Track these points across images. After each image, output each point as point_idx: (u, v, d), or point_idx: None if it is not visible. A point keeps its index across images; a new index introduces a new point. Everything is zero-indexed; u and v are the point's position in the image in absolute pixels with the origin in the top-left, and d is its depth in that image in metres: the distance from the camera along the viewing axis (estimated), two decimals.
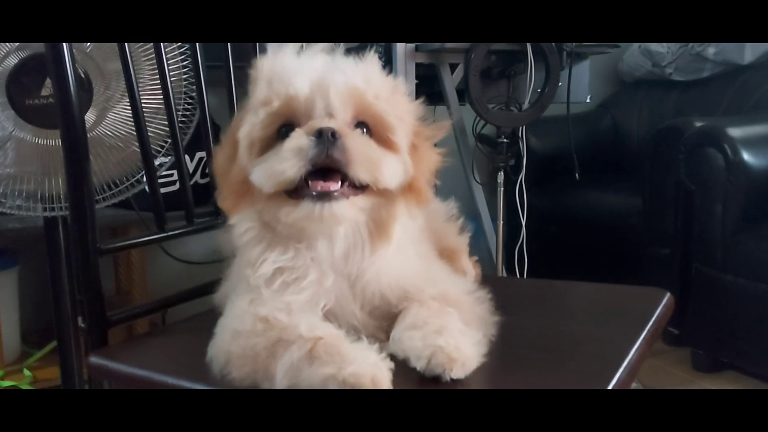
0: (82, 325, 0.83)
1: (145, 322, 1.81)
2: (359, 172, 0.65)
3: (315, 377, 0.60)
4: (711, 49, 2.43)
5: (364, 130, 0.68)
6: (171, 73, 0.97)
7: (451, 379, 0.63)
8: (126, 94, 0.92)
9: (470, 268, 0.96)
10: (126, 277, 1.98)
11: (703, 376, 1.93)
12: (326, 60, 0.69)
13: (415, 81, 1.68)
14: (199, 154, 1.71)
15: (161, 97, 0.96)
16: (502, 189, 1.84)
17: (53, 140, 1.17)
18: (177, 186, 1.01)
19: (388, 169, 0.67)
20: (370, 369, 0.59)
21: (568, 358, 0.74)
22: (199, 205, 0.99)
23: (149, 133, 0.95)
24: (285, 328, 0.65)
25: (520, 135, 1.87)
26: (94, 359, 0.79)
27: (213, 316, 0.74)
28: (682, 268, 1.91)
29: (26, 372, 1.66)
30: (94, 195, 0.89)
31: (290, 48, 0.71)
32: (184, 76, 1.22)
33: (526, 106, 1.76)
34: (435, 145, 0.75)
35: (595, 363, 0.72)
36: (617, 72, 2.81)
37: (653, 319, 0.84)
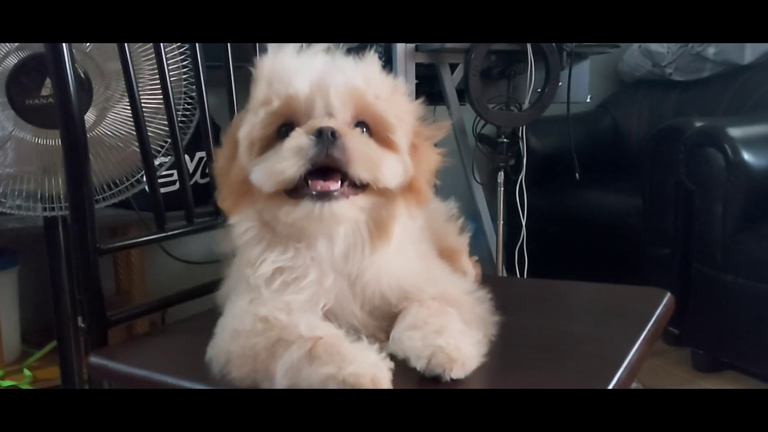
0: (82, 325, 0.83)
1: (145, 322, 1.81)
2: (359, 172, 0.65)
3: (315, 377, 0.60)
4: (711, 49, 2.42)
5: (364, 129, 0.68)
6: (171, 73, 0.97)
7: (451, 379, 0.63)
8: (126, 94, 0.92)
9: (470, 268, 0.96)
10: (126, 276, 1.98)
11: (704, 376, 1.93)
12: (326, 60, 0.69)
13: (415, 81, 1.68)
14: (199, 154, 1.71)
15: (161, 97, 0.96)
16: (502, 189, 1.84)
17: (53, 140, 1.17)
18: (177, 186, 1.01)
19: (388, 168, 0.67)
20: (370, 369, 0.59)
21: (568, 358, 0.74)
22: (199, 204, 0.99)
23: (149, 133, 0.95)
24: (285, 328, 0.65)
25: (520, 135, 1.87)
26: (93, 359, 0.79)
27: (213, 315, 0.74)
28: (682, 268, 1.91)
29: (26, 372, 1.66)
30: (93, 195, 0.89)
31: (290, 48, 0.71)
32: (184, 76, 1.22)
33: (526, 106, 1.76)
34: (435, 145, 0.75)
35: (595, 363, 0.72)
36: (617, 72, 2.81)
37: (653, 319, 0.84)
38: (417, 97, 0.76)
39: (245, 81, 0.73)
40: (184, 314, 0.92)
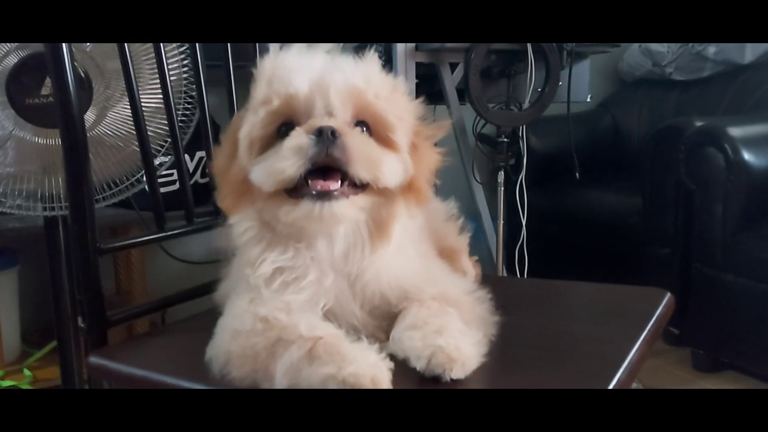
0: (82, 325, 0.83)
1: (145, 322, 1.81)
2: (359, 171, 0.65)
3: (315, 377, 0.60)
4: (711, 49, 2.42)
5: (364, 129, 0.68)
6: (171, 73, 0.97)
7: (451, 379, 0.63)
8: (126, 94, 0.92)
9: (470, 267, 0.95)
10: (126, 276, 1.98)
11: (704, 376, 1.93)
12: (326, 59, 0.69)
13: (415, 80, 1.68)
14: (199, 154, 1.71)
15: (161, 96, 0.95)
16: (503, 188, 1.84)
17: (53, 139, 1.17)
18: (177, 185, 1.01)
19: (388, 168, 0.67)
20: (369, 369, 0.59)
21: (568, 358, 0.74)
22: (199, 204, 0.99)
23: (149, 133, 0.95)
24: (285, 328, 0.65)
25: (520, 134, 1.87)
26: (93, 359, 0.79)
27: (213, 315, 0.74)
28: (683, 267, 1.91)
29: (26, 372, 1.66)
30: (93, 194, 0.89)
31: (291, 47, 0.71)
32: (184, 76, 1.22)
33: (526, 105, 1.76)
34: (435, 145, 0.75)
35: (595, 363, 0.72)
36: (617, 71, 2.81)
37: (653, 319, 0.84)
38: (417, 96, 0.76)
39: (245, 81, 0.73)
40: (184, 314, 0.92)
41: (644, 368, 0.82)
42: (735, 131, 1.78)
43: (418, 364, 0.64)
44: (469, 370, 0.64)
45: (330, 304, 0.69)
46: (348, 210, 0.66)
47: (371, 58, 0.71)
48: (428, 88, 1.70)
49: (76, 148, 0.80)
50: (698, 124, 1.86)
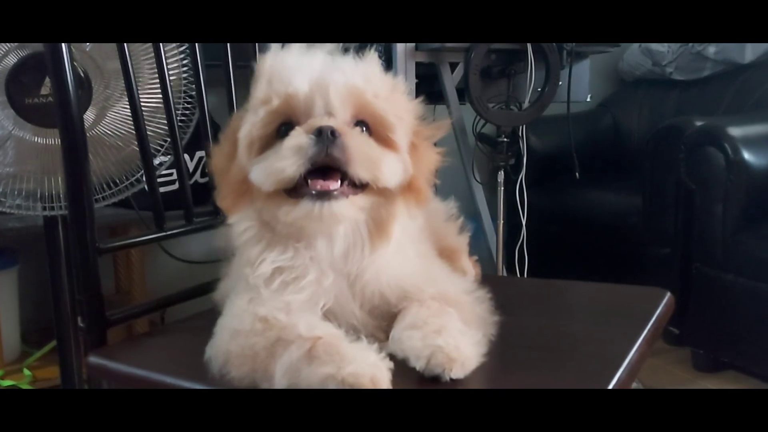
0: (82, 325, 0.83)
1: (145, 322, 1.81)
2: (359, 171, 0.65)
3: (314, 377, 0.60)
4: (711, 48, 2.42)
5: (364, 128, 0.68)
6: (170, 73, 0.97)
7: (451, 379, 0.63)
8: (125, 93, 0.92)
9: (470, 267, 0.95)
10: (126, 276, 1.98)
11: (704, 375, 1.93)
12: (326, 59, 0.69)
13: (415, 80, 1.68)
14: (198, 154, 1.71)
15: (160, 96, 0.95)
16: (503, 188, 1.84)
17: (53, 139, 1.17)
18: (176, 185, 1.01)
19: (388, 168, 0.67)
20: (369, 369, 0.59)
21: (568, 358, 0.74)
22: (199, 204, 0.99)
23: (148, 133, 0.95)
24: (284, 328, 0.65)
25: (520, 134, 1.87)
26: (92, 359, 0.79)
27: (212, 315, 0.74)
28: (683, 267, 1.91)
29: (26, 371, 1.66)
30: (93, 194, 0.89)
31: (291, 47, 0.71)
32: (184, 75, 1.22)
33: (526, 105, 1.76)
34: (435, 145, 0.75)
35: (595, 363, 0.71)
36: (617, 71, 2.81)
37: (653, 318, 0.84)
38: (417, 96, 0.76)
39: (245, 80, 0.73)
40: (184, 314, 0.92)
41: (644, 368, 0.82)
42: (735, 131, 1.78)
43: (418, 364, 0.64)
44: (468, 370, 0.64)
45: (329, 304, 0.69)
46: (347, 210, 0.66)
47: (371, 58, 0.71)
48: (428, 87, 1.70)
49: (75, 148, 0.80)
50: (698, 123, 1.86)
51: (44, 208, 1.21)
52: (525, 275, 1.98)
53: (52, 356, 1.58)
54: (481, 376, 0.65)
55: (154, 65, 0.97)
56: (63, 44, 0.78)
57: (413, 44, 1.67)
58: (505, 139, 1.78)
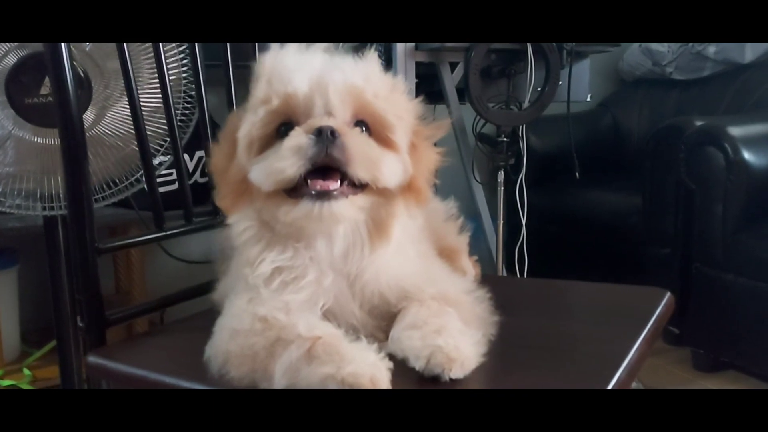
0: (81, 325, 0.83)
1: (144, 322, 1.81)
2: (358, 171, 0.65)
3: (314, 377, 0.60)
4: (711, 48, 2.42)
5: (364, 128, 0.68)
6: (170, 72, 0.97)
7: (450, 379, 0.63)
8: (125, 93, 0.92)
9: (470, 267, 0.95)
10: (125, 276, 1.98)
11: (704, 375, 1.93)
12: (325, 58, 0.69)
13: (415, 80, 1.68)
14: (198, 153, 1.71)
15: (160, 96, 0.95)
16: (502, 188, 1.84)
17: (52, 139, 1.17)
18: (176, 185, 1.01)
19: (388, 168, 0.67)
20: (368, 369, 0.59)
21: (568, 358, 0.74)
22: (199, 204, 0.99)
23: (148, 132, 0.95)
24: (284, 328, 0.65)
25: (520, 134, 1.87)
26: (92, 359, 0.79)
27: (212, 315, 0.74)
28: (683, 267, 1.91)
29: (26, 371, 1.66)
30: (92, 194, 0.89)
31: (291, 47, 0.71)
32: (184, 75, 1.22)
33: (526, 105, 1.76)
34: (435, 144, 0.75)
35: (595, 363, 0.71)
36: (617, 71, 2.81)
37: (653, 318, 0.84)
38: (417, 95, 0.76)
39: (244, 80, 0.73)
40: (183, 314, 0.92)
41: (644, 368, 0.82)
42: (735, 131, 1.78)
43: (417, 364, 0.64)
44: (468, 369, 0.64)
45: (329, 304, 0.69)
46: (347, 210, 0.66)
47: (371, 58, 0.71)
48: (428, 87, 1.70)
49: (75, 148, 0.80)
50: (698, 123, 1.86)
51: (44, 208, 1.21)
52: (525, 275, 1.98)
53: (51, 356, 1.58)
54: (480, 376, 0.65)
55: (154, 65, 0.97)
56: (63, 44, 0.78)
57: (413, 44, 1.67)
58: (505, 139, 1.78)
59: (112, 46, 0.99)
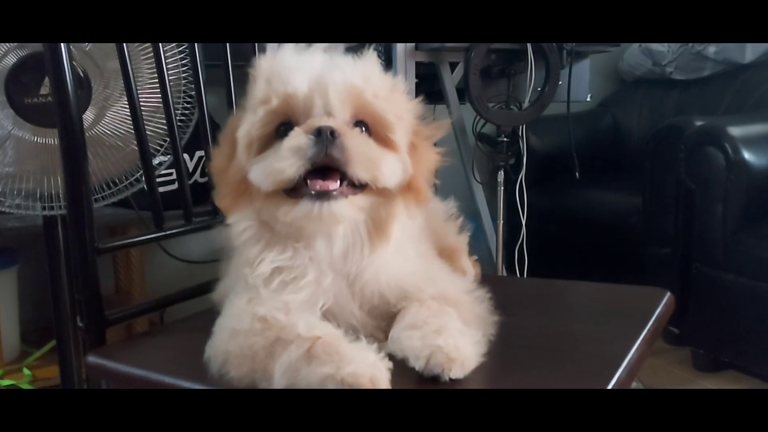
0: (81, 325, 0.83)
1: (144, 322, 1.81)
2: (358, 171, 0.64)
3: (313, 377, 0.60)
4: (711, 48, 2.42)
5: (363, 128, 0.68)
6: (170, 72, 0.97)
7: (450, 379, 0.63)
8: (125, 93, 0.92)
9: (470, 267, 0.95)
10: (125, 276, 1.98)
11: (704, 375, 1.93)
12: (325, 58, 0.69)
13: (414, 80, 1.68)
14: (198, 153, 1.71)
15: (160, 96, 0.95)
16: (502, 188, 1.84)
17: (52, 139, 1.17)
18: (176, 185, 1.01)
19: (387, 168, 0.67)
20: (368, 369, 0.59)
21: (568, 358, 0.73)
22: (198, 203, 0.99)
23: (148, 132, 0.95)
24: (283, 328, 0.64)
25: (520, 134, 1.87)
26: (91, 359, 0.79)
27: (211, 315, 0.74)
28: (683, 267, 1.90)
29: (26, 371, 1.66)
30: (92, 194, 0.89)
31: (290, 46, 0.71)
32: (183, 75, 1.22)
33: (526, 105, 1.76)
34: (435, 144, 0.75)
35: (595, 363, 0.71)
36: (617, 71, 2.81)
37: (653, 318, 0.84)
38: (417, 95, 0.76)
39: (244, 80, 0.73)
40: (183, 314, 0.92)
41: (644, 368, 0.82)
42: (735, 131, 1.78)
43: (417, 364, 0.64)
44: (468, 369, 0.64)
45: (329, 304, 0.69)
46: (347, 210, 0.66)
47: (370, 57, 0.71)
48: (428, 87, 1.69)
49: (74, 148, 0.80)
50: (698, 123, 1.86)
51: (44, 208, 1.21)
52: (525, 275, 1.98)
53: (51, 356, 1.58)
54: (480, 376, 0.65)
55: (154, 65, 0.97)
56: (62, 44, 0.78)
57: (413, 44, 1.67)
58: (505, 139, 1.78)
59: (111, 46, 0.99)
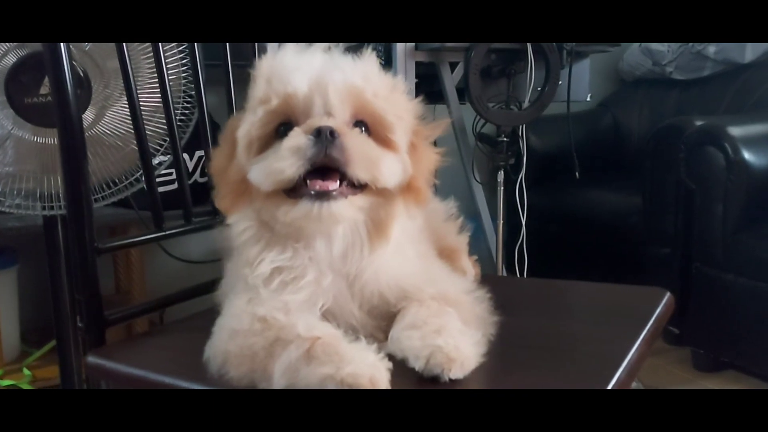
0: (81, 325, 0.83)
1: (144, 322, 1.81)
2: (358, 171, 0.64)
3: (313, 377, 0.59)
4: (711, 48, 2.42)
5: (363, 128, 0.68)
6: (170, 72, 0.97)
7: (450, 379, 0.63)
8: (125, 93, 0.92)
9: (470, 267, 0.95)
10: (125, 276, 1.98)
11: (704, 375, 1.93)
12: (325, 58, 0.69)
13: (414, 80, 1.68)
14: (198, 153, 1.71)
15: (160, 95, 0.95)
16: (502, 188, 1.84)
17: (52, 139, 1.17)
18: (176, 185, 1.01)
19: (387, 168, 0.67)
20: (368, 369, 0.59)
21: (568, 358, 0.73)
22: (198, 203, 0.99)
23: (148, 132, 0.95)
24: (283, 328, 0.64)
25: (520, 134, 1.87)
26: (91, 359, 0.79)
27: (211, 315, 0.74)
28: (683, 267, 1.90)
29: (26, 371, 1.66)
30: (92, 194, 0.89)
31: (290, 47, 0.71)
32: (183, 75, 1.22)
33: (526, 104, 1.76)
34: (434, 144, 0.75)
35: (595, 363, 0.71)
36: (617, 71, 2.81)
37: (653, 318, 0.84)
38: (417, 95, 0.75)
39: (244, 80, 0.73)
40: (183, 314, 0.92)
41: (644, 368, 0.82)
42: (735, 131, 1.78)
43: (417, 364, 0.64)
44: (467, 370, 0.64)
45: (328, 304, 0.69)
46: (346, 210, 0.66)
47: (370, 57, 0.71)
48: (428, 87, 1.69)
49: (74, 148, 0.80)
50: (698, 123, 1.86)
51: (43, 208, 1.21)
52: (525, 275, 1.98)
53: (51, 356, 1.58)
54: (480, 376, 0.65)
55: (154, 65, 0.97)
56: (62, 44, 0.78)
57: (413, 44, 1.67)
58: (505, 139, 1.78)
59: (111, 46, 0.99)
